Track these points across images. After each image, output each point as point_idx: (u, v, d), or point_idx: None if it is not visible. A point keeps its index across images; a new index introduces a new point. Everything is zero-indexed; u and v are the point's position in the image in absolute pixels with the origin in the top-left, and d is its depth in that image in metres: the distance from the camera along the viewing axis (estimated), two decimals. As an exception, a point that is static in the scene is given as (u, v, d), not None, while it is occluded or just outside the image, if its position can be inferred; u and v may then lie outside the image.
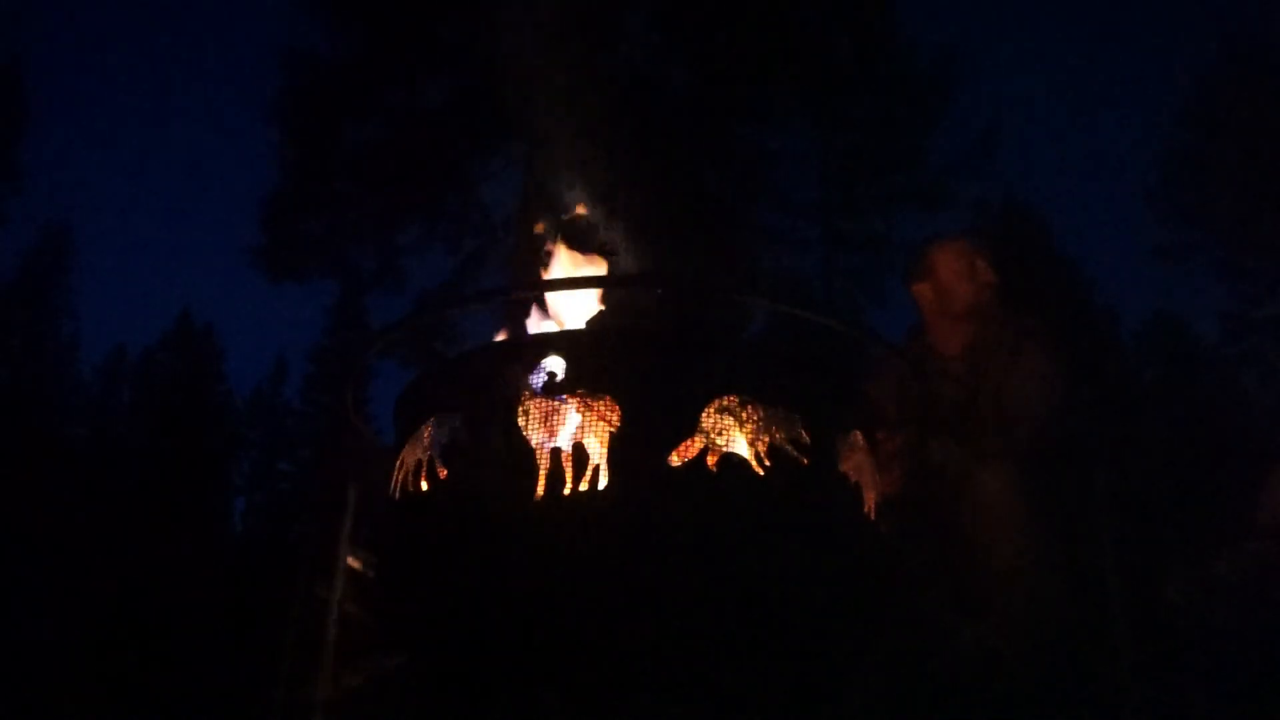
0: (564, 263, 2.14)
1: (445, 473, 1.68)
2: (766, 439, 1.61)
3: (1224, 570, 2.91)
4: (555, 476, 1.57)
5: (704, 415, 1.59)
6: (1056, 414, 2.50)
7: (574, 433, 1.59)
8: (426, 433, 1.73)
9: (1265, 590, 2.79)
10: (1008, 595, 2.32)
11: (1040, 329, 2.64)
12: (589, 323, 2.04)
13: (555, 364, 1.63)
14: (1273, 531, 2.91)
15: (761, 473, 1.59)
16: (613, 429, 1.57)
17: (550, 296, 2.13)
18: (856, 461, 1.77)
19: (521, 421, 1.62)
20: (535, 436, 1.61)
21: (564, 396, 1.61)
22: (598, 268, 2.16)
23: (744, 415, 1.61)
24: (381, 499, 1.87)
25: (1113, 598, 2.29)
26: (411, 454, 1.75)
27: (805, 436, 1.64)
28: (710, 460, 1.58)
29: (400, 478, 1.77)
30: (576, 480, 1.57)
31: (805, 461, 1.63)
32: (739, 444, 1.59)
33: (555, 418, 1.61)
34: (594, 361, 1.65)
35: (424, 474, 1.71)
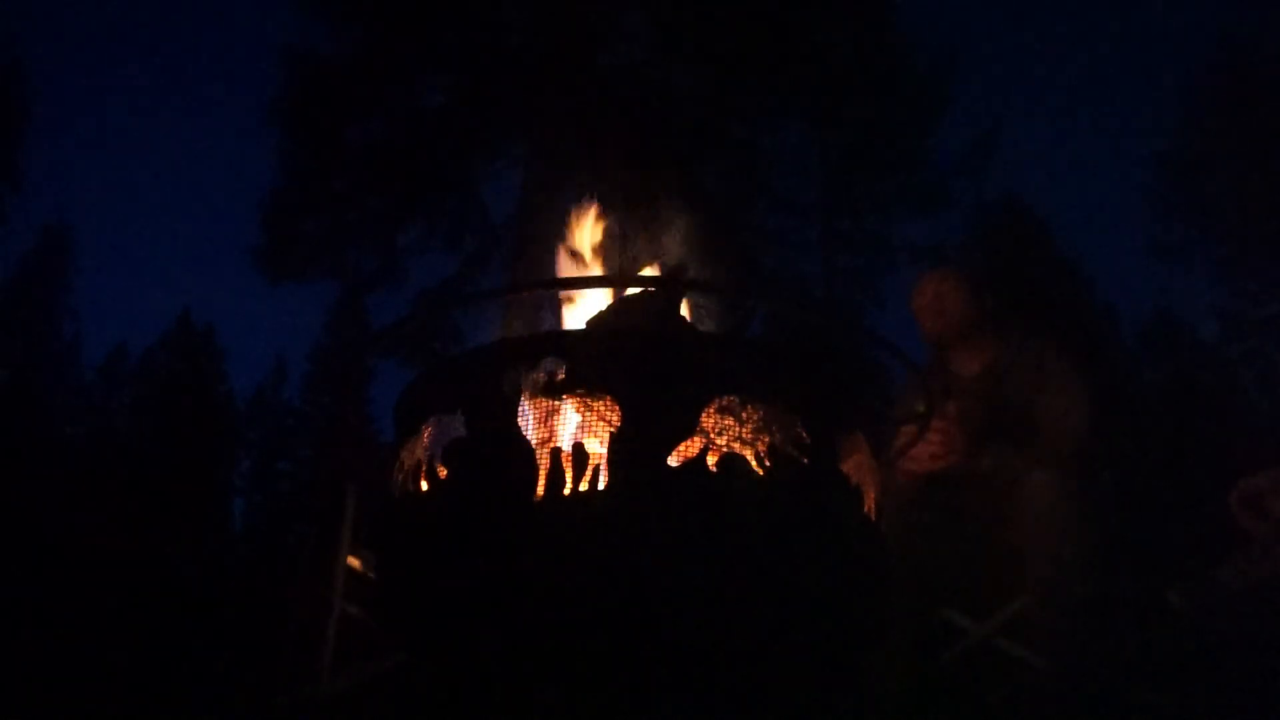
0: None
1: (445, 473, 1.67)
2: (766, 439, 1.61)
3: (1226, 574, 2.91)
4: (555, 476, 1.57)
5: (704, 415, 1.58)
6: (1092, 427, 2.54)
7: (574, 433, 1.59)
8: (426, 433, 1.72)
9: (1268, 595, 2.78)
10: (1050, 602, 2.33)
11: (1062, 345, 2.70)
12: (589, 323, 2.03)
13: (555, 364, 1.63)
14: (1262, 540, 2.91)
15: (761, 473, 1.59)
16: (613, 429, 1.57)
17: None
18: (856, 461, 1.77)
19: (521, 421, 1.61)
20: (535, 436, 1.60)
21: (564, 396, 1.60)
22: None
23: (744, 415, 1.60)
24: (381, 499, 1.86)
25: (1118, 600, 2.30)
26: (411, 454, 1.75)
27: (805, 436, 1.64)
28: (710, 460, 1.57)
29: (400, 478, 1.76)
30: (576, 480, 1.56)
31: (805, 461, 1.63)
32: (739, 444, 1.59)
33: (555, 418, 1.60)
34: (594, 361, 1.64)
35: (424, 474, 1.71)
